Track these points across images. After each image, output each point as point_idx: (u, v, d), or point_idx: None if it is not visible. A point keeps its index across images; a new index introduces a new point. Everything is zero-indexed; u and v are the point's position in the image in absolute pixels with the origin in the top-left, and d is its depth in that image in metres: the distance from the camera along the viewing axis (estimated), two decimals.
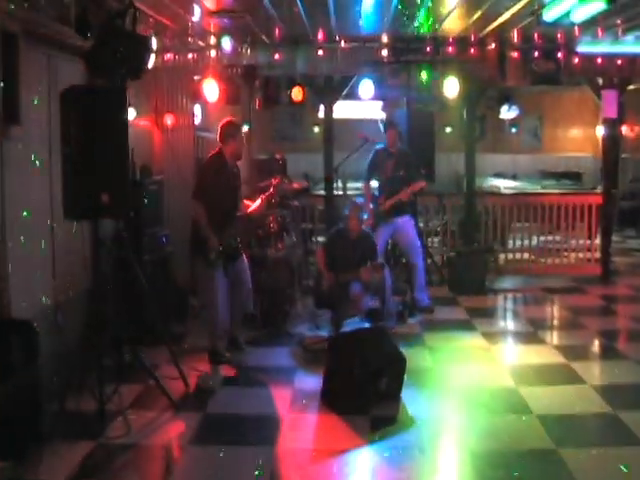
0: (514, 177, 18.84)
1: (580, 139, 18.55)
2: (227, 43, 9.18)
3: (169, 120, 9.36)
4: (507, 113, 15.27)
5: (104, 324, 5.70)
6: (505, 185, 16.08)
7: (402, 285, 9.31)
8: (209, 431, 5.42)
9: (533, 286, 10.25)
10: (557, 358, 6.97)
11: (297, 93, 9.87)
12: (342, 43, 9.48)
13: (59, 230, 6.08)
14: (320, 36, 9.30)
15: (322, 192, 10.80)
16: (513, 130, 18.89)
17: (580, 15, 7.31)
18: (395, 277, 9.14)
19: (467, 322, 8.40)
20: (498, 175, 18.75)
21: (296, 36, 9.35)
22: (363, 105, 13.83)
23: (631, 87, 10.72)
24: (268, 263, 8.14)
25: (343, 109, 12.21)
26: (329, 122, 10.60)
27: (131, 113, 8.07)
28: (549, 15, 7.49)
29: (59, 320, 6.38)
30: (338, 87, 10.34)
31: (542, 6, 7.36)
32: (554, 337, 7.94)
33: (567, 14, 7.34)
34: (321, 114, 11.19)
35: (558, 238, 11.27)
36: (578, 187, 14.88)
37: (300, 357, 7.17)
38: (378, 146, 8.87)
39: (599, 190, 12.66)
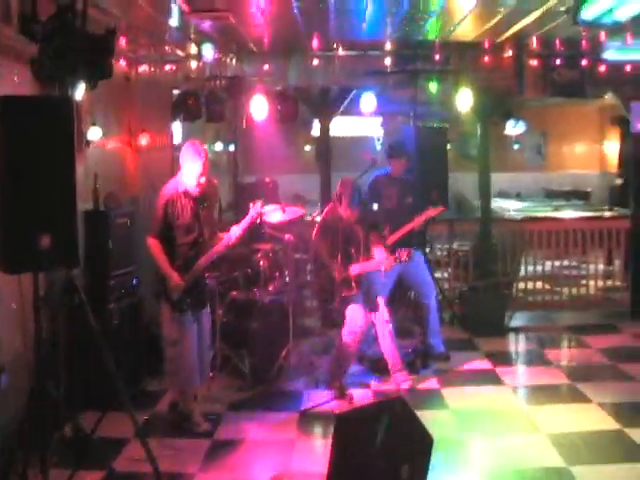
0: (518, 196, 17.91)
1: (585, 155, 17.74)
2: (209, 51, 8.04)
3: (144, 140, 8.20)
4: (513, 129, 14.11)
5: (50, 392, 4.55)
6: (511, 207, 15.05)
7: (411, 327, 8.16)
8: None
9: (556, 323, 9.09)
10: (608, 423, 5.75)
11: None
12: (340, 51, 8.36)
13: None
14: (315, 43, 8.16)
15: (318, 218, 9.63)
16: (516, 147, 17.88)
17: (624, 13, 6.23)
18: (402, 317, 8.04)
19: (491, 373, 7.19)
20: (501, 195, 17.78)
21: (288, 43, 8.23)
22: (360, 121, 12.67)
23: None
24: (257, 308, 6.88)
25: (338, 125, 11.09)
26: (325, 140, 9.47)
27: (97, 132, 6.96)
28: (587, 13, 6.37)
29: (2, 384, 5.25)
30: (335, 101, 9.24)
31: (580, 3, 6.24)
32: (597, 392, 6.49)
33: (609, 12, 6.25)
34: (315, 131, 10.11)
35: (574, 263, 10.15)
36: (589, 207, 13.87)
37: (299, 426, 5.90)
38: (378, 172, 7.70)
39: (614, 212, 11.69)
